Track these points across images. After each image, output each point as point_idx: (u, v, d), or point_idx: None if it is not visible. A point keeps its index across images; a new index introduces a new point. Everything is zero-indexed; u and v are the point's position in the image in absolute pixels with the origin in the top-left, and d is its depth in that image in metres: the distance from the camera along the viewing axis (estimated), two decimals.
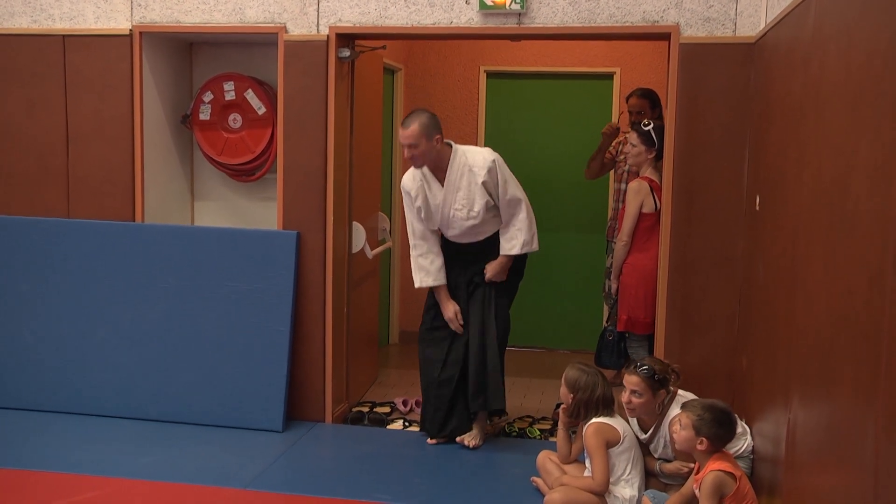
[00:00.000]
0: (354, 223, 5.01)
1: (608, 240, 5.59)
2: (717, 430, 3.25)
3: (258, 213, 5.31)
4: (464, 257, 4.49)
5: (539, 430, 4.77)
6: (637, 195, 4.73)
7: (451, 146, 4.36)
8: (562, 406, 3.93)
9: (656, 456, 3.76)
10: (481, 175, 4.27)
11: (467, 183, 4.30)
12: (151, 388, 4.76)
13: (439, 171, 4.37)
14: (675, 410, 3.61)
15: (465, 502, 3.83)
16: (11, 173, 5.02)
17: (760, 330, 3.69)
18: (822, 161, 2.71)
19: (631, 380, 3.65)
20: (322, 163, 4.69)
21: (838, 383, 2.44)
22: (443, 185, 4.36)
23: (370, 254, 5.20)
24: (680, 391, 3.76)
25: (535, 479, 4.00)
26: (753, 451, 3.63)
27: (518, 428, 4.79)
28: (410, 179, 4.43)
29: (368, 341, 5.56)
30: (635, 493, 3.65)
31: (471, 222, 4.35)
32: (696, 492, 3.24)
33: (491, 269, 4.42)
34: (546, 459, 3.97)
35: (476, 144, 6.67)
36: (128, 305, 4.80)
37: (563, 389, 3.83)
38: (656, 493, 3.61)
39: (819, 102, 2.77)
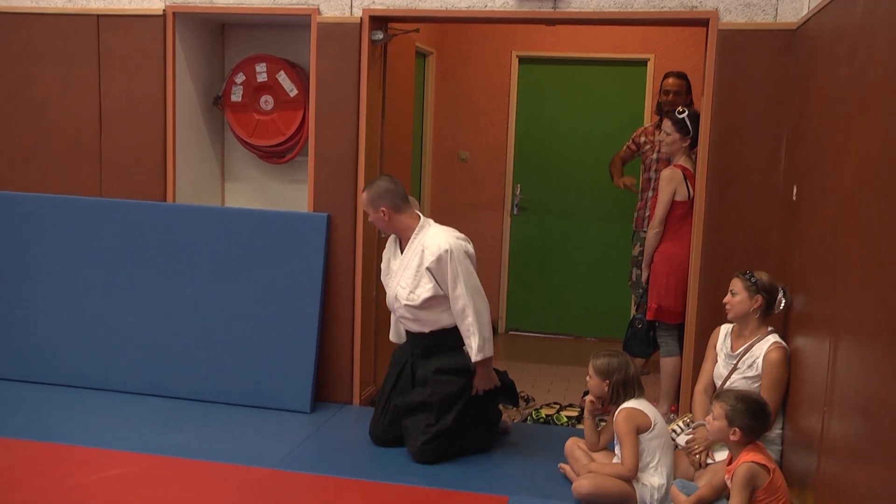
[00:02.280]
0: None
1: (635, 229, 5.55)
2: (750, 421, 3.23)
3: (288, 195, 5.32)
4: (415, 349, 4.21)
5: (566, 416, 4.76)
6: (670, 183, 4.69)
7: (418, 219, 4.10)
8: (588, 395, 3.91)
9: (732, 385, 3.72)
10: (429, 260, 3.96)
11: (417, 263, 4.01)
12: (182, 366, 4.79)
13: (403, 241, 4.14)
14: (768, 340, 3.65)
15: (492, 488, 3.82)
16: (45, 152, 5.06)
17: (795, 320, 3.65)
18: (866, 152, 2.67)
19: (732, 281, 3.78)
20: (353, 146, 4.68)
21: (878, 380, 2.41)
22: (401, 257, 4.15)
23: None
24: (777, 336, 3.72)
25: (562, 465, 3.99)
26: (783, 440, 3.61)
27: (545, 415, 4.78)
28: (386, 248, 4.26)
29: None
30: (664, 481, 3.63)
31: (410, 304, 4.03)
32: (728, 483, 3.22)
33: (476, 381, 4.13)
34: (574, 446, 3.96)
35: (507, 131, 6.67)
36: (159, 285, 4.83)
37: (594, 380, 3.80)
38: (685, 482, 3.58)
39: (865, 92, 2.73)
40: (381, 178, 4.19)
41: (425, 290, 4.00)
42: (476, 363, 4.07)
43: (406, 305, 4.06)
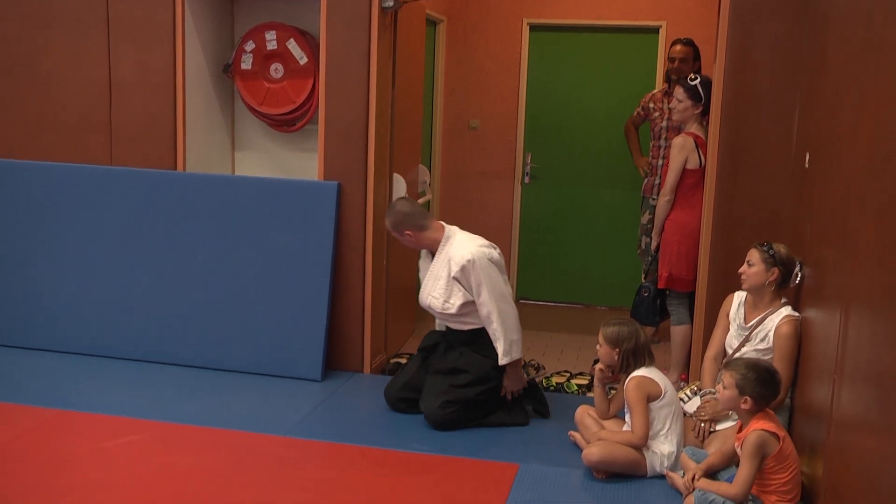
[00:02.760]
0: (395, 175, 5.00)
1: (644, 196, 5.53)
2: (760, 389, 3.23)
3: (298, 163, 5.31)
4: (450, 341, 4.31)
5: (576, 385, 4.78)
6: (682, 151, 4.66)
7: (443, 230, 4.21)
8: (598, 364, 3.92)
9: (744, 353, 3.72)
10: (454, 271, 4.08)
11: (446, 274, 4.13)
12: (193, 335, 4.82)
13: (433, 252, 4.27)
14: (781, 313, 3.65)
15: (503, 455, 3.85)
16: (56, 121, 5.06)
17: (807, 291, 3.64)
18: (881, 117, 2.64)
19: (750, 251, 3.75)
20: (363, 114, 4.67)
21: (889, 350, 2.41)
22: (433, 262, 4.27)
23: None
24: (790, 308, 3.71)
25: (572, 433, 4.01)
26: (793, 409, 3.62)
27: (556, 383, 4.80)
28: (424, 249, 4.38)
29: (406, 294, 5.58)
30: (674, 449, 3.65)
31: (446, 313, 4.18)
32: (738, 450, 3.23)
33: (505, 381, 4.22)
34: (585, 414, 3.97)
35: (517, 99, 6.63)
36: (170, 254, 4.85)
37: (605, 348, 3.81)
38: (695, 449, 3.60)
39: (880, 57, 2.69)
40: (398, 203, 4.31)
41: (458, 297, 4.13)
42: (504, 365, 4.16)
43: (442, 313, 4.22)
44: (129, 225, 4.90)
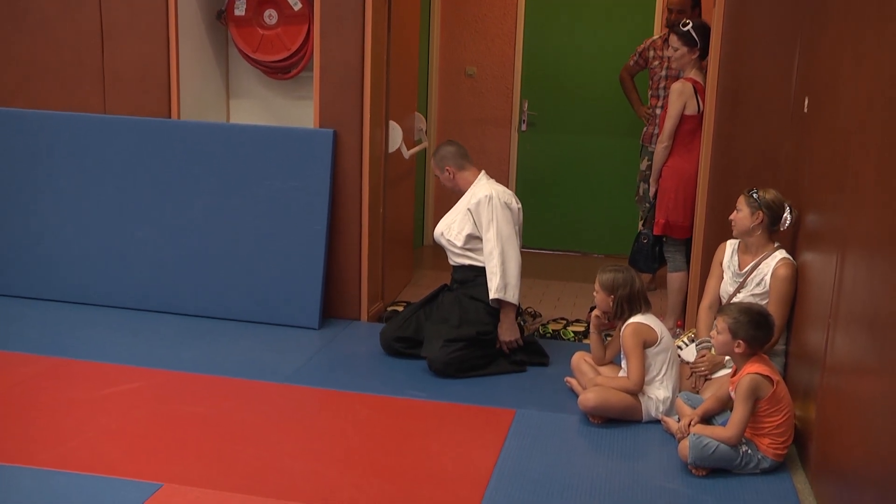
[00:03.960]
0: (391, 122, 4.97)
1: (643, 144, 5.50)
2: (753, 332, 3.24)
3: (294, 111, 5.26)
4: (454, 282, 4.46)
5: (573, 332, 4.80)
6: (680, 96, 4.62)
7: (478, 174, 4.40)
8: (594, 311, 3.94)
9: (740, 300, 3.73)
10: (473, 202, 4.28)
11: (464, 206, 4.34)
12: (191, 284, 4.83)
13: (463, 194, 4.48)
14: (776, 257, 3.66)
15: (500, 401, 3.88)
16: (47, 69, 5.00)
17: (803, 236, 3.65)
18: (882, 60, 2.62)
19: (738, 198, 3.77)
20: (359, 61, 4.62)
21: (885, 293, 2.42)
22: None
23: (406, 154, 5.17)
24: (785, 252, 3.72)
25: (568, 379, 4.04)
26: (787, 353, 3.64)
27: (552, 330, 4.82)
28: None
29: (403, 242, 5.58)
30: (669, 394, 3.68)
31: (452, 241, 4.34)
32: (732, 394, 3.26)
33: (499, 329, 4.28)
34: (581, 360, 4.00)
35: (514, 45, 6.57)
36: (166, 202, 4.83)
37: (600, 295, 3.82)
38: (690, 395, 3.63)
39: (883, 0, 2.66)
40: (446, 143, 4.47)
41: (466, 229, 4.29)
42: (499, 306, 4.21)
43: (449, 240, 4.35)
44: (125, 174, 4.87)
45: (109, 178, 4.89)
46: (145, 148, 4.84)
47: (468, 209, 4.29)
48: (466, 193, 4.38)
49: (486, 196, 4.24)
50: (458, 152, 4.41)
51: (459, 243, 4.31)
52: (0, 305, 4.91)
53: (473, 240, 4.29)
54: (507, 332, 4.26)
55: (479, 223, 4.26)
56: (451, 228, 4.36)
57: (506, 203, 4.26)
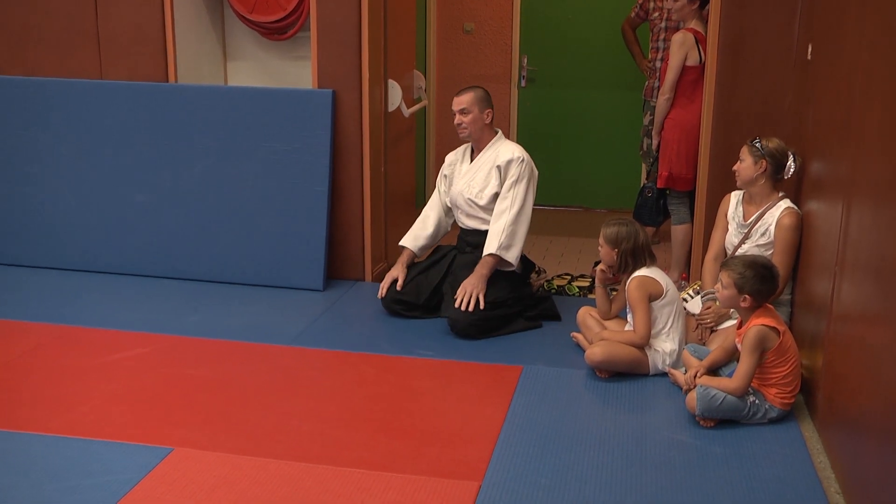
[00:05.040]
0: (390, 81, 4.92)
1: (645, 98, 5.45)
2: (759, 286, 3.23)
3: (292, 72, 5.22)
4: (465, 245, 4.37)
5: (578, 287, 4.80)
6: (681, 47, 4.57)
7: (496, 133, 4.33)
8: (599, 265, 3.93)
9: (745, 251, 3.73)
10: (502, 160, 4.19)
11: (489, 167, 4.23)
12: (193, 248, 4.82)
13: (477, 150, 4.35)
14: (780, 206, 3.65)
15: (506, 357, 3.89)
16: (41, 35, 4.95)
17: (808, 184, 3.62)
18: (886, 5, 2.57)
19: (741, 149, 3.76)
20: (356, 19, 4.56)
21: (891, 239, 2.40)
22: (471, 164, 4.36)
23: (406, 112, 5.13)
24: (789, 201, 3.70)
25: (574, 334, 4.04)
26: (793, 303, 3.64)
27: (557, 285, 4.82)
28: (454, 153, 4.50)
29: (406, 201, 5.56)
30: (676, 346, 3.69)
31: (474, 201, 4.25)
32: (739, 346, 3.26)
33: (468, 279, 4.15)
34: (587, 315, 4.00)
35: (512, 4, 6.50)
36: (166, 167, 4.80)
37: (605, 249, 3.81)
38: (697, 346, 3.64)
39: None
40: (478, 88, 4.32)
41: (492, 187, 4.21)
42: (490, 255, 4.12)
43: (469, 200, 4.26)
44: (124, 139, 4.84)
45: (108, 143, 4.86)
46: (143, 113, 4.80)
47: (497, 167, 4.19)
48: (488, 153, 4.27)
49: (519, 157, 4.18)
50: (491, 100, 4.32)
51: (483, 202, 4.23)
52: (1, 274, 4.91)
53: (495, 201, 4.23)
54: (474, 282, 4.12)
55: (507, 179, 4.18)
56: (470, 187, 4.27)
57: (532, 169, 4.23)
